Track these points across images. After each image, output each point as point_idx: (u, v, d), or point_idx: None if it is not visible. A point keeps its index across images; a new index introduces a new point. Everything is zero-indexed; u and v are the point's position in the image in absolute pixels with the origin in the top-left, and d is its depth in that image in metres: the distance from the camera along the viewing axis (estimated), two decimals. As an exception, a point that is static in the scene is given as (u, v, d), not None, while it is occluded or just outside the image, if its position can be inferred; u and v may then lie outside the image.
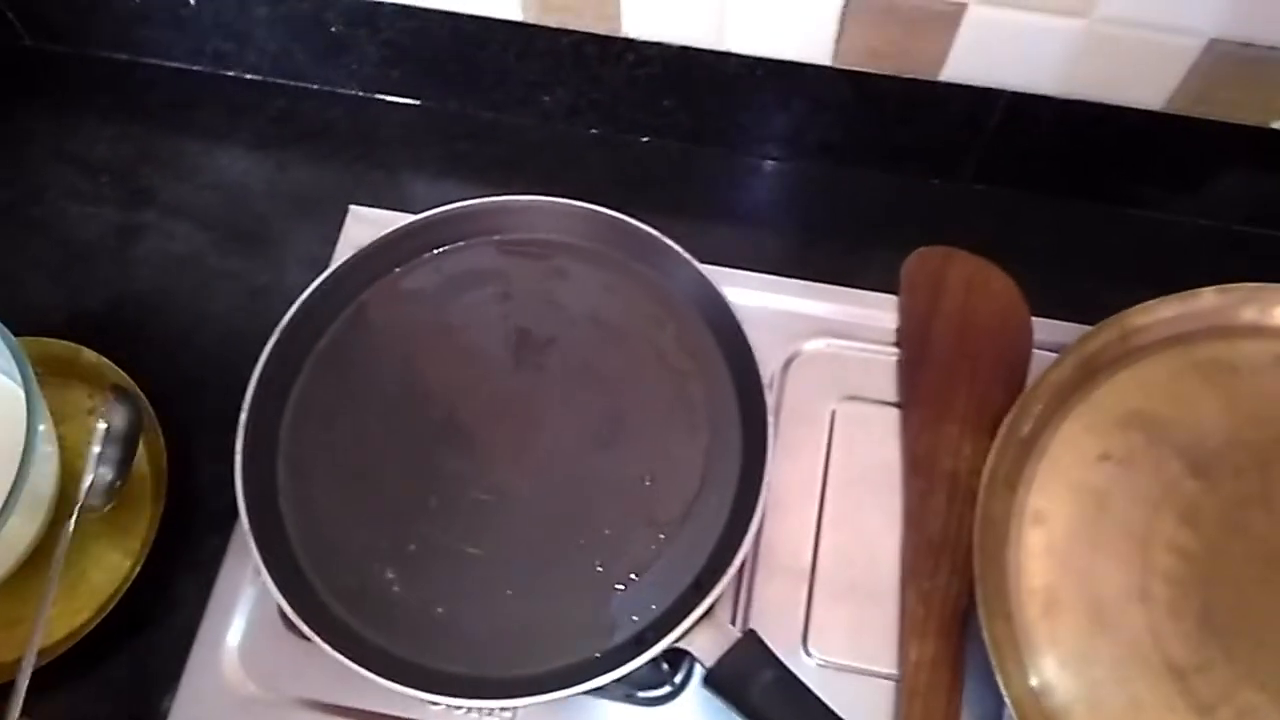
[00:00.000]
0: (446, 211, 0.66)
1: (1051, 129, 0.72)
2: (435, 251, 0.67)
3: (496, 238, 0.68)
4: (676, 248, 0.64)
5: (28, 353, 0.66)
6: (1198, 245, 0.75)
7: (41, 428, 0.56)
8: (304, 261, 0.75)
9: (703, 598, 0.54)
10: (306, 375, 0.64)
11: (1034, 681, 0.55)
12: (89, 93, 0.83)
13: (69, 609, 0.62)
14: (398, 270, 0.67)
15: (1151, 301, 0.61)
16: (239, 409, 0.66)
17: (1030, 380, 0.64)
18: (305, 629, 0.54)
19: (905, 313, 0.68)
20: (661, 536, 0.59)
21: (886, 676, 0.59)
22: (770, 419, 0.59)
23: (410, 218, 0.66)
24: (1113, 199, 0.76)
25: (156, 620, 0.63)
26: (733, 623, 0.60)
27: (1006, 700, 0.53)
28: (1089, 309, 0.67)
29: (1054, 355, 0.63)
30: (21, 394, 0.57)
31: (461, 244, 0.68)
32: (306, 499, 0.61)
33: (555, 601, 0.58)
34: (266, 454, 0.61)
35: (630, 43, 0.72)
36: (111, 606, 0.61)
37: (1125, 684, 0.55)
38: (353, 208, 0.74)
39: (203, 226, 0.77)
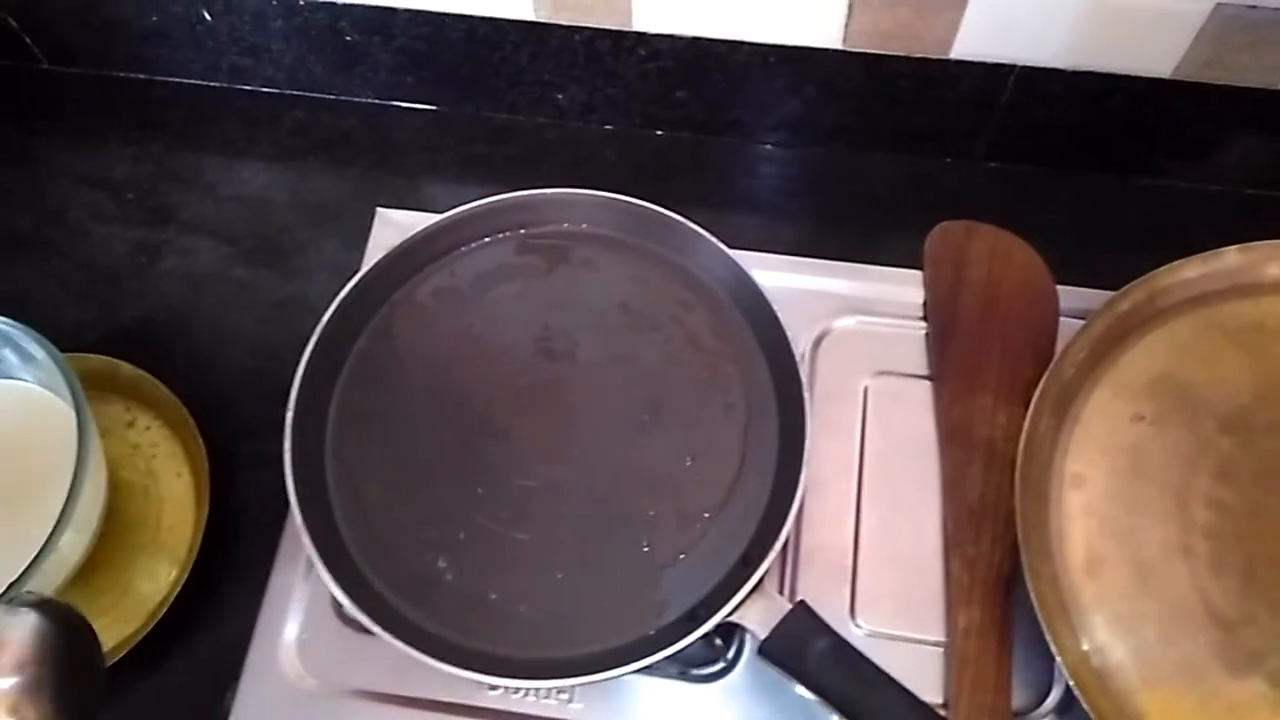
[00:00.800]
0: (473, 209, 0.67)
1: (1062, 102, 0.73)
2: (464, 249, 0.68)
3: (523, 232, 0.69)
4: (703, 232, 0.65)
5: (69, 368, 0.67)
6: (1209, 211, 0.77)
7: (94, 444, 0.57)
8: (329, 269, 0.76)
9: (751, 572, 0.55)
10: (347, 374, 0.65)
11: (1084, 642, 0.56)
12: (108, 113, 0.84)
13: (118, 619, 0.63)
14: (428, 269, 0.68)
15: (1176, 263, 0.62)
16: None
17: (1059, 347, 0.64)
18: (365, 620, 0.55)
19: (931, 287, 0.68)
20: (706, 515, 0.60)
21: (934, 644, 0.60)
22: (807, 395, 0.59)
23: (437, 217, 0.67)
24: (1123, 169, 0.78)
25: (206, 626, 0.64)
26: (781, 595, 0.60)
27: (1059, 661, 0.54)
28: (1106, 279, 0.68)
29: (1080, 322, 0.64)
30: (70, 412, 0.57)
31: (489, 240, 0.69)
32: (356, 495, 0.61)
33: (605, 582, 0.59)
34: (314, 453, 0.62)
35: (642, 36, 0.73)
36: (161, 615, 0.61)
37: (1173, 639, 0.55)
38: (380, 210, 0.75)
39: (226, 240, 0.78)
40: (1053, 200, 0.77)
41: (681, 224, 0.65)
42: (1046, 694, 0.59)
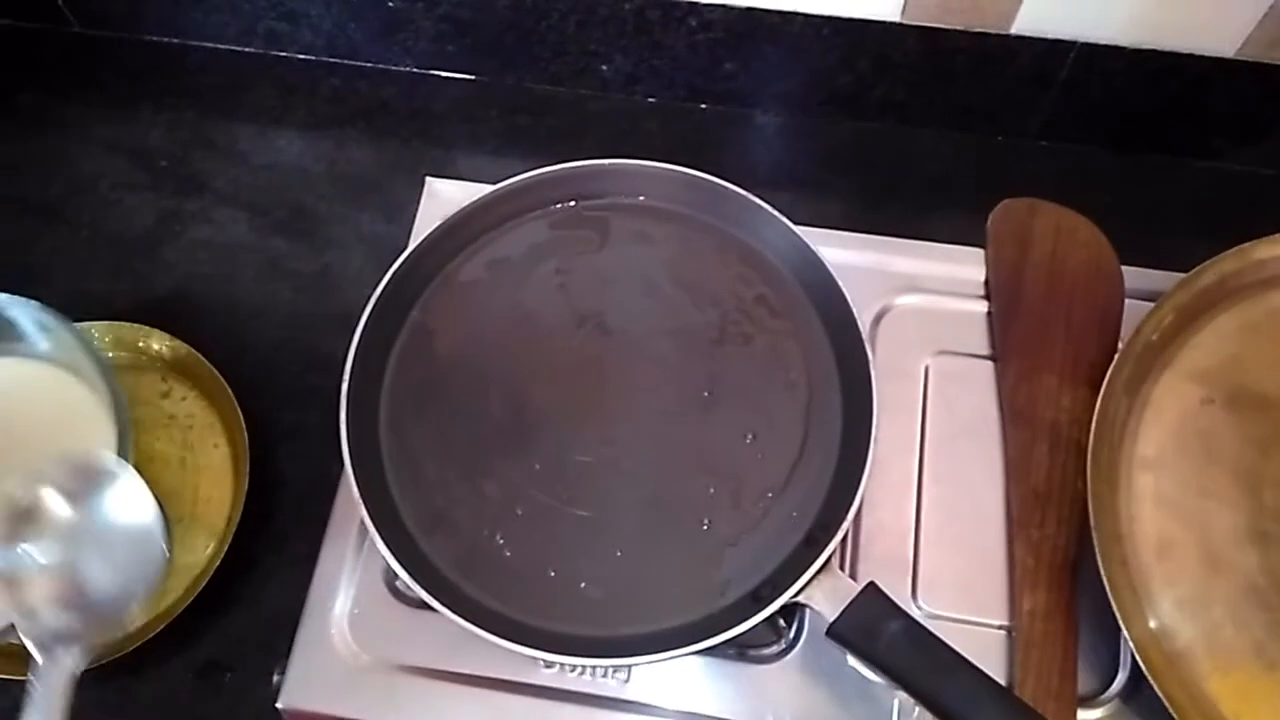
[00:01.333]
0: (526, 179, 0.65)
1: (1120, 80, 0.72)
2: (517, 220, 0.67)
3: (578, 204, 0.67)
4: (765, 205, 0.64)
5: (100, 336, 0.66)
6: (1266, 195, 0.76)
7: (125, 419, 0.57)
8: (366, 240, 0.75)
9: (818, 553, 0.54)
10: (400, 347, 0.63)
11: (1153, 625, 0.55)
12: (140, 79, 0.83)
13: (158, 591, 0.60)
14: (481, 241, 0.66)
15: (1246, 245, 0.60)
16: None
17: (1126, 328, 0.63)
18: (424, 595, 0.54)
19: (994, 265, 0.67)
20: (770, 495, 0.59)
21: (997, 627, 0.59)
22: (873, 373, 0.58)
23: (490, 188, 0.66)
24: (1179, 150, 0.77)
25: (246, 600, 0.63)
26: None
27: (1130, 644, 0.53)
28: (1162, 260, 0.67)
29: (1141, 303, 0.63)
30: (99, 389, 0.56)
31: (542, 212, 0.67)
32: (411, 468, 0.60)
33: (665, 560, 0.58)
34: (368, 426, 0.60)
35: (694, 6, 0.71)
36: (200, 588, 0.60)
37: (1244, 622, 0.55)
38: (429, 180, 0.73)
39: (260, 210, 0.77)
40: (1105, 180, 0.76)
41: (741, 196, 0.64)
42: (1112, 679, 0.58)
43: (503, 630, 0.53)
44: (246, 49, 0.83)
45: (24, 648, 0.49)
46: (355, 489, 0.56)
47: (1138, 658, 0.53)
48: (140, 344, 0.68)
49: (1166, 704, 0.52)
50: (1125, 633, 0.53)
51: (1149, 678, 0.52)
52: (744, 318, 0.64)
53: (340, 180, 0.78)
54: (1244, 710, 0.53)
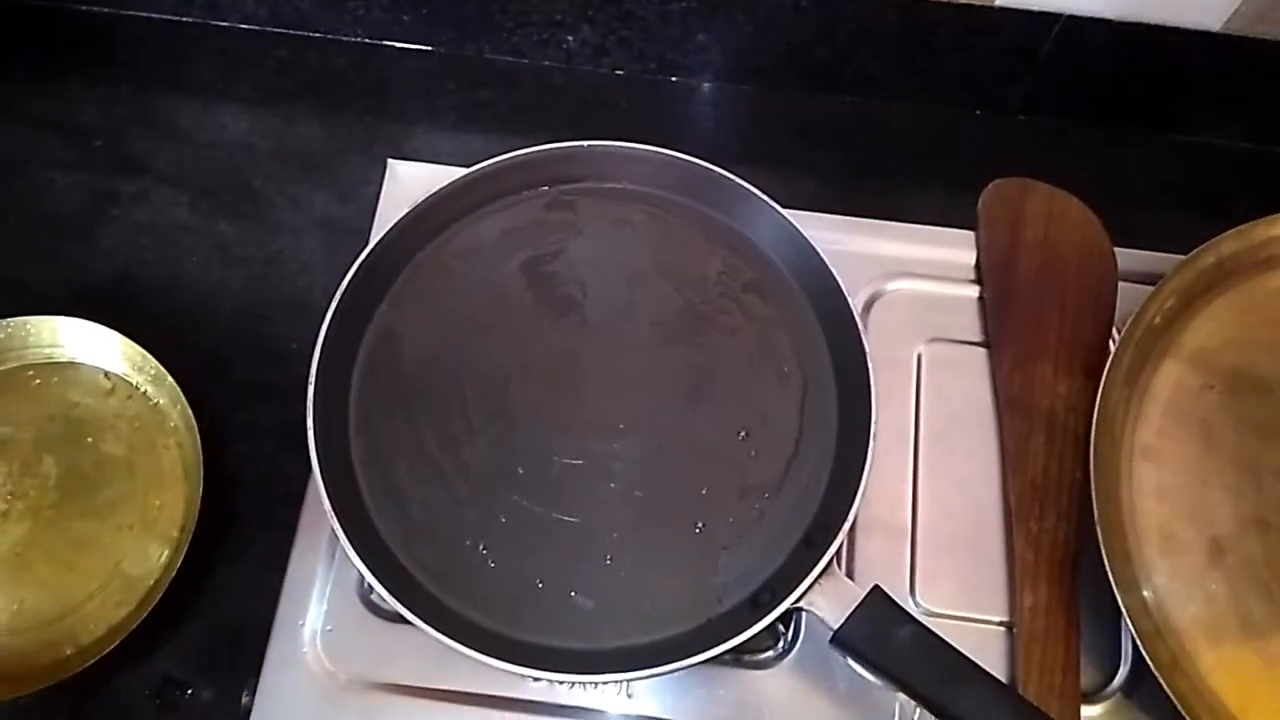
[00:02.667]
0: (499, 163, 0.62)
1: (1103, 54, 0.70)
2: (491, 206, 0.63)
3: (556, 188, 0.64)
4: (754, 190, 0.61)
5: (37, 332, 0.62)
6: (1246, 169, 0.75)
7: None
8: (320, 223, 0.71)
9: (818, 555, 0.52)
10: (369, 343, 0.60)
11: (1157, 617, 0.54)
12: (70, 51, 0.77)
13: (107, 603, 0.58)
14: (453, 228, 0.63)
15: (1243, 226, 0.59)
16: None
17: (1119, 312, 0.62)
18: (404, 611, 0.51)
19: (985, 248, 0.65)
20: (765, 494, 0.57)
21: (998, 623, 0.58)
22: (870, 363, 0.56)
23: (460, 171, 0.62)
24: (1158, 124, 0.75)
25: (205, 611, 0.60)
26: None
27: (1135, 636, 0.52)
28: (1145, 237, 0.66)
29: (1134, 285, 0.62)
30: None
31: (518, 196, 0.64)
32: (384, 474, 0.57)
33: (658, 566, 0.56)
34: (337, 429, 0.57)
35: (667, -27, 0.68)
36: (155, 600, 0.57)
37: (1247, 616, 0.54)
38: (391, 162, 0.69)
39: (205, 192, 0.72)
40: (1086, 154, 0.75)
41: (728, 180, 0.61)
42: (1114, 673, 0.57)
43: (488, 646, 0.51)
44: (185, 18, 0.77)
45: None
46: (325, 497, 0.53)
47: (1140, 645, 0.52)
48: (81, 339, 0.64)
49: (1167, 690, 0.51)
50: (1130, 624, 0.52)
51: (1148, 660, 0.52)
52: (732, 307, 0.61)
53: (289, 159, 0.74)
54: (1239, 692, 0.53)
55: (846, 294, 0.58)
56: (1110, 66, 0.71)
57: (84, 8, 0.77)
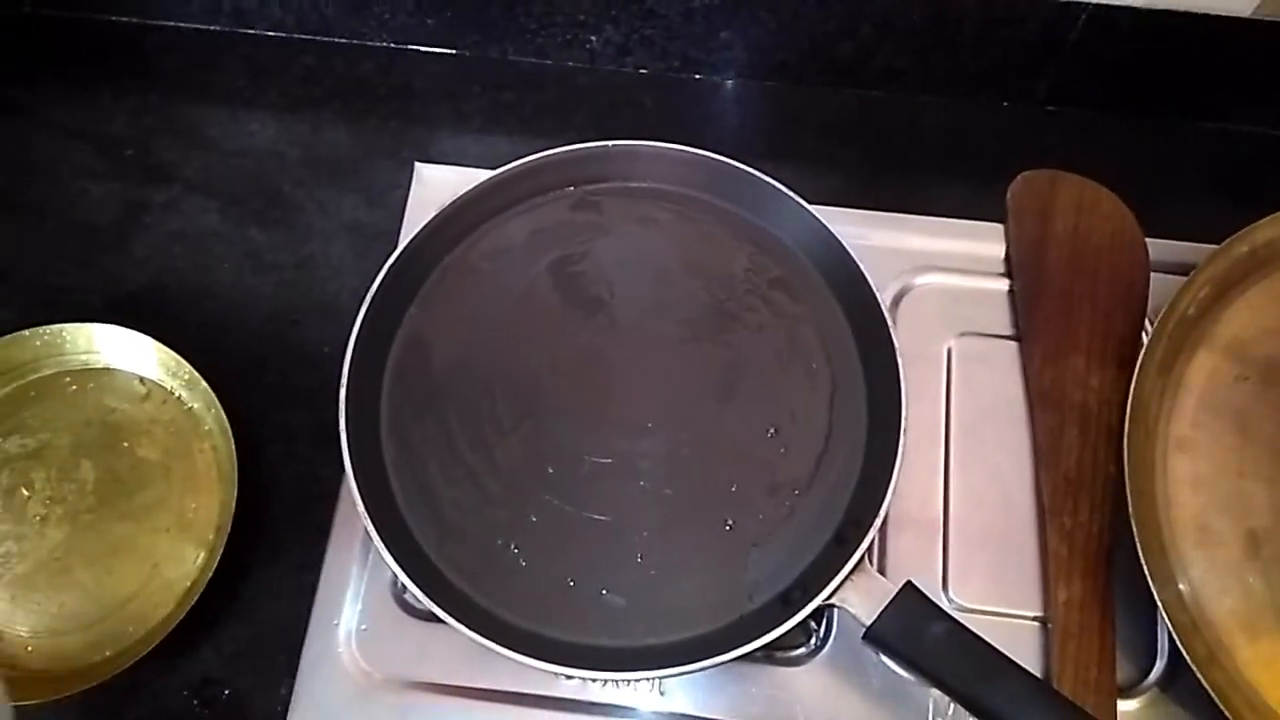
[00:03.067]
0: (526, 164, 0.62)
1: (1130, 42, 0.69)
2: (518, 207, 0.64)
3: (582, 188, 0.64)
4: (780, 186, 0.61)
5: (73, 339, 0.63)
6: (1277, 156, 0.73)
7: None
8: (349, 228, 0.71)
9: (850, 552, 0.52)
10: (399, 345, 0.60)
11: (1194, 611, 0.53)
12: (99, 62, 0.78)
13: (145, 605, 0.59)
14: (481, 230, 0.63)
15: (1277, 214, 0.58)
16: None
17: (1151, 303, 0.61)
18: (435, 609, 0.51)
19: (1015, 241, 0.65)
20: (795, 491, 0.57)
21: (1032, 619, 0.57)
22: (900, 360, 0.56)
23: (486, 174, 0.62)
24: (1188, 113, 0.74)
25: (241, 614, 0.60)
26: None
27: (1171, 630, 0.52)
28: (1176, 227, 0.66)
29: (1166, 276, 0.61)
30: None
31: (545, 197, 0.64)
32: (416, 475, 0.57)
33: (689, 564, 0.56)
34: (369, 431, 0.57)
35: (688, -28, 0.68)
36: (192, 602, 0.57)
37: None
38: (418, 166, 0.69)
39: (234, 199, 0.73)
40: (1113, 145, 0.74)
41: (754, 177, 0.61)
42: (1150, 667, 0.56)
43: (520, 644, 0.51)
44: (212, 27, 0.78)
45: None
46: (358, 499, 0.53)
47: (1177, 640, 0.51)
48: (116, 345, 0.65)
49: (1204, 684, 0.50)
50: (1166, 619, 0.52)
51: (1184, 654, 0.51)
52: (760, 304, 0.61)
53: (317, 165, 0.74)
54: (1278, 685, 0.52)
55: (874, 289, 0.58)
56: (1138, 55, 0.70)
57: (113, 18, 0.78)
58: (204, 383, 0.62)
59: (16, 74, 0.77)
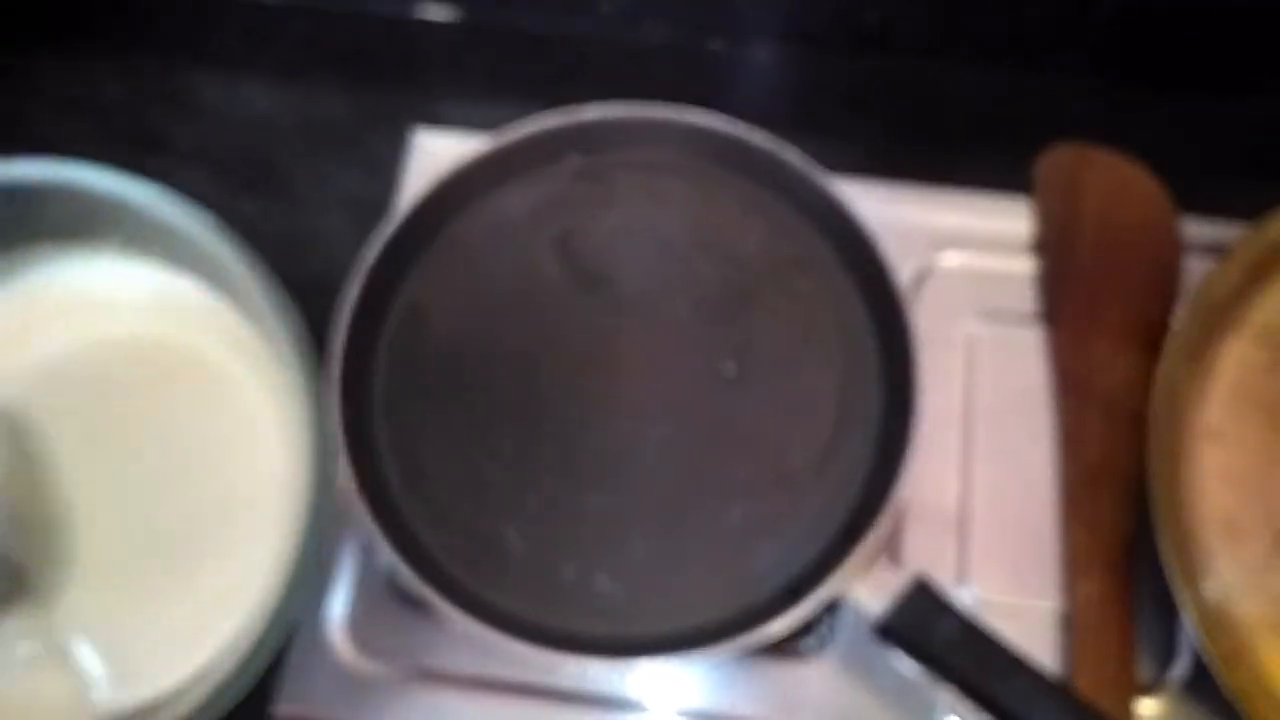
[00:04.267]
0: (528, 132, 0.59)
1: (1173, 12, 0.66)
2: (519, 177, 0.61)
3: (585, 157, 0.61)
4: (795, 158, 0.58)
5: None
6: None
7: None
8: (346, 201, 0.69)
9: (857, 543, 0.50)
10: (394, 322, 0.58)
11: (1218, 610, 0.51)
12: (88, 26, 0.75)
13: None
14: (479, 201, 0.60)
15: (1314, 195, 0.55)
16: None
17: (1184, 285, 0.59)
18: (433, 597, 0.49)
19: (1043, 219, 0.62)
20: (805, 479, 0.55)
21: (1050, 612, 0.55)
22: (916, 345, 0.53)
23: (489, 140, 0.59)
24: (1226, 88, 0.71)
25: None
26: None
27: (1194, 628, 0.49)
28: (1215, 206, 0.63)
29: (1202, 258, 0.58)
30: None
31: (546, 167, 0.61)
32: (411, 458, 0.55)
33: (692, 552, 0.54)
34: (363, 412, 0.55)
35: (704, -68, 0.65)
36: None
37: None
38: (418, 131, 0.67)
39: (227, 169, 0.71)
40: (1149, 119, 0.70)
41: (768, 148, 0.58)
42: (1170, 665, 0.54)
43: (516, 631, 0.49)
44: (207, -9, 0.75)
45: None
46: (352, 482, 0.51)
47: (1197, 638, 0.49)
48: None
49: (1226, 684, 0.49)
50: (1187, 616, 0.50)
51: (1206, 653, 0.49)
52: (772, 283, 0.59)
53: (314, 133, 0.72)
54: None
55: (891, 268, 0.55)
56: (1177, 25, 0.67)
57: (103, -20, 0.76)
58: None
59: (6, 41, 0.75)
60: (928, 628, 0.48)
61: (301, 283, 0.66)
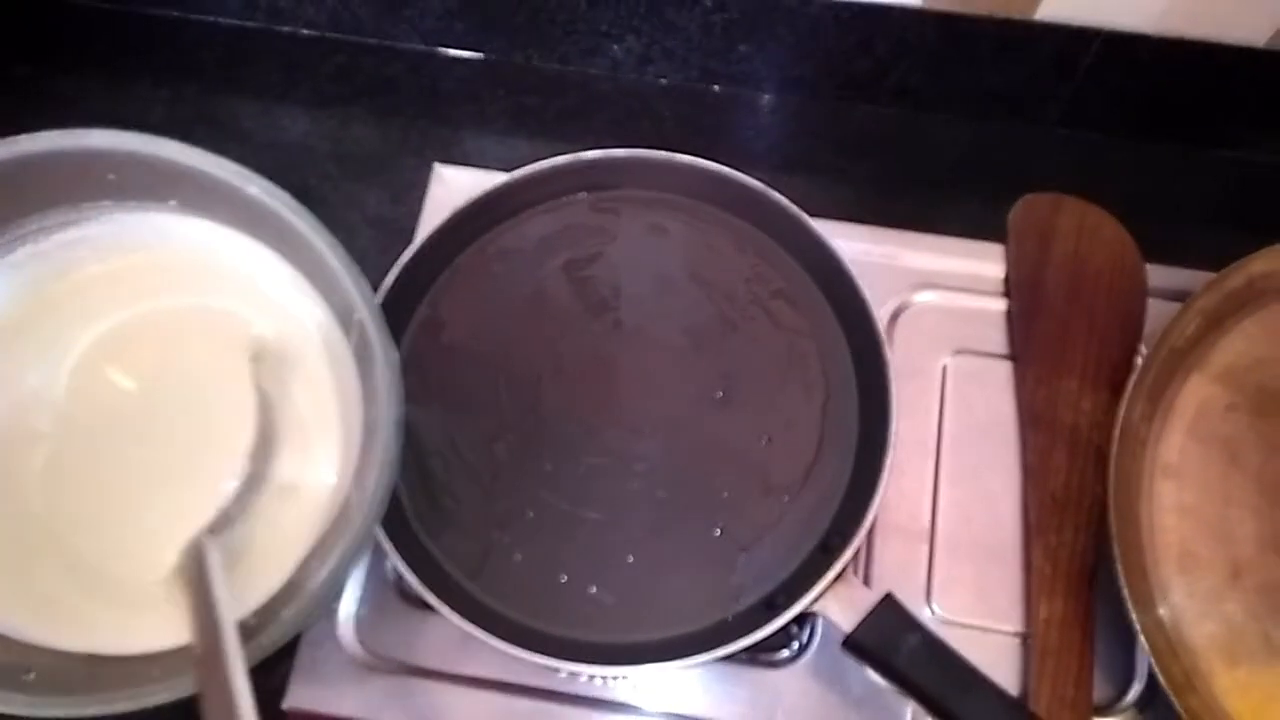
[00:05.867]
0: (540, 169, 0.64)
1: (1145, 70, 0.70)
2: (530, 210, 0.65)
3: (592, 194, 0.66)
4: (784, 201, 0.62)
5: None
6: (1288, 185, 0.74)
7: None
8: (372, 224, 0.73)
9: (833, 560, 0.53)
10: (408, 341, 0.62)
11: (1172, 635, 0.54)
12: (139, 53, 0.80)
13: None
14: (494, 231, 0.65)
15: (1276, 246, 0.59)
16: None
17: (1148, 329, 0.62)
18: (432, 599, 0.53)
19: (1015, 262, 0.66)
20: (785, 499, 0.58)
21: (1012, 634, 0.58)
22: (891, 376, 0.57)
23: (503, 176, 0.64)
24: (1200, 140, 0.75)
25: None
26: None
27: (1148, 653, 0.52)
28: (1181, 254, 0.66)
29: (1167, 303, 0.61)
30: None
31: (555, 202, 0.65)
32: (419, 468, 0.59)
33: (678, 565, 0.57)
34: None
35: (709, -15, 0.69)
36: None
37: (1266, 639, 0.54)
38: (437, 166, 0.71)
39: (265, 191, 0.74)
40: (1124, 170, 0.74)
41: (760, 191, 0.62)
42: (1128, 688, 0.57)
43: (511, 635, 0.53)
44: (248, 23, 0.80)
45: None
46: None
47: (1154, 666, 0.52)
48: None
49: (1179, 709, 0.51)
50: (1143, 643, 0.52)
51: (1160, 678, 0.52)
52: (761, 314, 0.62)
53: (345, 160, 0.76)
54: (1254, 714, 0.53)
55: (871, 304, 0.59)
56: (1152, 82, 0.71)
57: (151, 11, 0.80)
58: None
59: (58, 63, 0.80)
60: (893, 643, 0.51)
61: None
